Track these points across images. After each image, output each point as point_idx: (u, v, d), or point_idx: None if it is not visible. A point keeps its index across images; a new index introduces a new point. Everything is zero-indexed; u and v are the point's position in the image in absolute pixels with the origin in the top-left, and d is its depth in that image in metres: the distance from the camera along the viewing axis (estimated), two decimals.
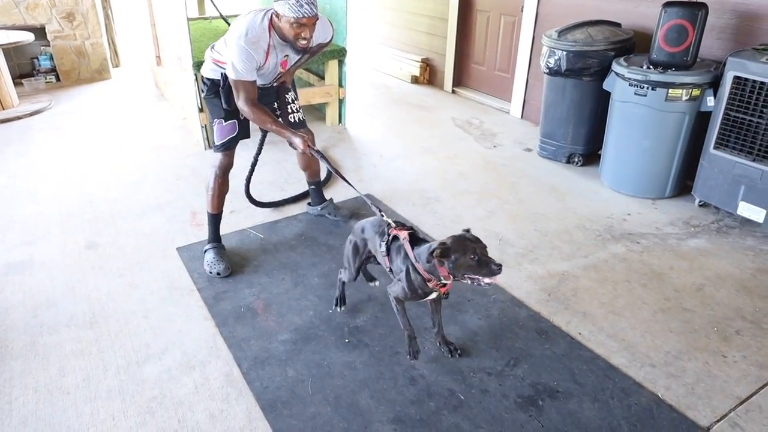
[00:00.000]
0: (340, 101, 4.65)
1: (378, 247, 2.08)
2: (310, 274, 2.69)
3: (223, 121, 2.65)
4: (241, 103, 2.41)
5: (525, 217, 3.23)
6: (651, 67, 3.17)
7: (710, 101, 3.06)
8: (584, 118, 3.75)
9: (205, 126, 4.10)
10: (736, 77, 2.87)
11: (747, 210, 2.98)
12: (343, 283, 2.39)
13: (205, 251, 2.74)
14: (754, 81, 2.79)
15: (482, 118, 4.94)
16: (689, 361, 2.13)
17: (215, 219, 2.78)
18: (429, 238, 2.37)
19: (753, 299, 2.48)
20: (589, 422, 1.86)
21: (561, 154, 3.93)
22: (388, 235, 2.03)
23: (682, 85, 3.05)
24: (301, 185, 3.57)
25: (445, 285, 1.91)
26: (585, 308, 2.44)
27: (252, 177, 3.17)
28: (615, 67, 3.35)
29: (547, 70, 3.68)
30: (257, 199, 3.27)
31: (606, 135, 3.59)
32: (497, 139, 4.45)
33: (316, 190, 3.20)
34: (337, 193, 3.47)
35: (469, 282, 1.80)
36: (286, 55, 2.50)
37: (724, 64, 2.93)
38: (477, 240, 1.82)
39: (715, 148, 3.05)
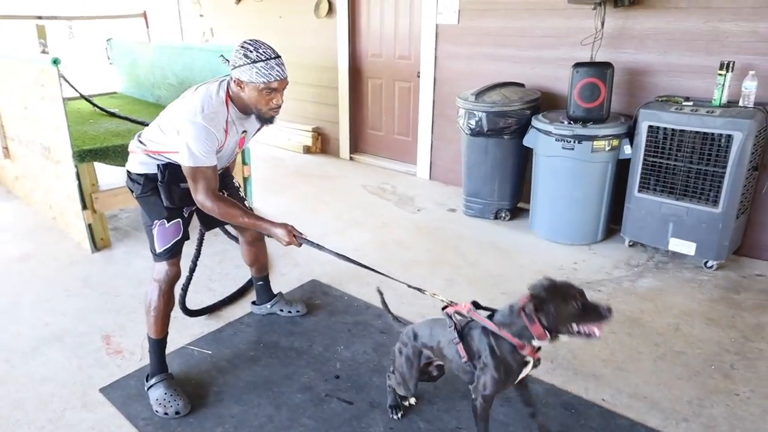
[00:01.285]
0: (245, 179, 4.24)
1: (446, 339, 1.77)
2: (289, 391, 2.23)
3: (165, 222, 2.15)
4: (201, 197, 1.97)
5: (484, 280, 3.12)
6: (570, 122, 3.37)
7: (627, 149, 3.31)
8: (508, 175, 3.85)
9: (90, 225, 3.40)
10: (650, 126, 3.14)
11: (678, 245, 3.22)
12: (394, 390, 2.05)
13: (150, 387, 2.14)
14: (665, 128, 3.09)
15: (392, 182, 4.87)
16: (713, 408, 2.11)
17: (160, 345, 2.21)
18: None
19: (724, 330, 2.61)
20: None
21: (488, 211, 3.97)
22: (451, 317, 1.76)
23: (604, 137, 3.26)
24: (230, 281, 3.09)
25: (539, 349, 1.66)
26: (592, 370, 2.35)
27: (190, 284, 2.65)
28: (537, 124, 3.50)
29: (469, 131, 3.73)
30: (191, 308, 2.73)
31: (534, 189, 3.70)
32: (417, 202, 4.38)
33: (264, 286, 2.76)
34: (274, 282, 3.04)
35: (576, 335, 1.56)
36: (245, 131, 2.14)
37: (637, 115, 3.21)
38: (571, 284, 1.60)
39: (639, 191, 3.29)
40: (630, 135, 3.31)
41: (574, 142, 3.28)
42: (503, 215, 3.96)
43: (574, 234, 3.56)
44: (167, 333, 2.23)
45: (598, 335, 1.54)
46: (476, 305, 1.76)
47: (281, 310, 2.76)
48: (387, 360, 2.41)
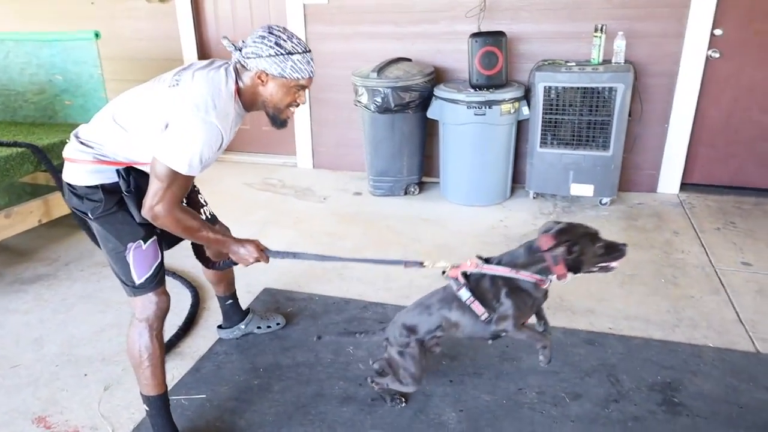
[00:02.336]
0: None
1: (454, 307, 1.73)
2: (330, 408, 1.94)
3: (142, 243, 1.66)
4: (162, 208, 1.54)
5: (438, 251, 3.12)
6: (473, 89, 3.54)
7: (526, 110, 3.62)
8: (415, 149, 3.89)
9: None
10: (545, 86, 3.48)
11: (578, 189, 3.65)
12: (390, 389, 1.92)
13: None
14: (559, 87, 3.46)
15: (276, 176, 4.51)
16: (685, 311, 2.48)
17: (165, 402, 1.74)
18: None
19: (647, 250, 3.06)
20: (721, 394, 1.95)
21: (398, 187, 3.96)
22: (456, 279, 1.71)
23: (510, 100, 3.51)
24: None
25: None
26: (583, 306, 2.54)
27: None
28: (443, 94, 3.59)
29: (375, 108, 3.65)
30: None
31: (443, 158, 3.82)
32: (317, 192, 4.15)
33: (234, 305, 2.33)
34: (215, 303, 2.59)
35: (596, 271, 1.68)
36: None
37: (533, 78, 3.53)
38: (586, 225, 1.68)
39: (541, 146, 3.64)
40: (526, 97, 3.63)
41: (486, 107, 3.46)
42: (413, 190, 4.00)
43: (488, 195, 3.77)
44: (167, 386, 1.74)
45: (616, 266, 1.68)
46: (481, 259, 1.74)
47: (258, 328, 2.37)
48: None
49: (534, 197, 3.86)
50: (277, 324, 2.40)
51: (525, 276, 1.65)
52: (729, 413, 1.86)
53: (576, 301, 2.59)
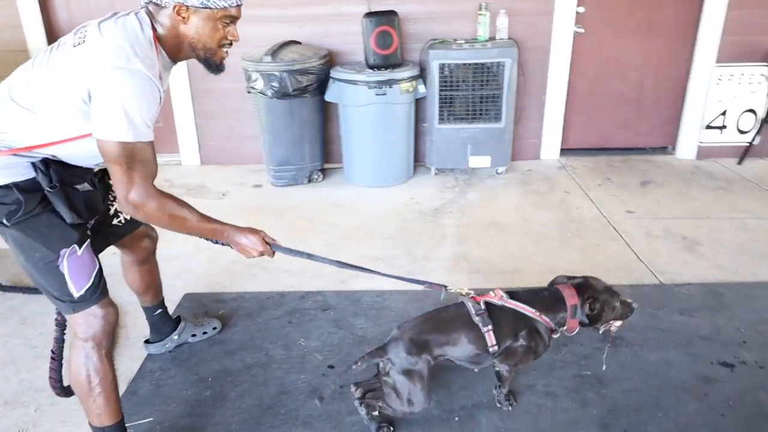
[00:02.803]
0: None
1: (465, 331, 1.62)
2: (302, 405, 1.82)
3: (76, 248, 1.40)
4: (137, 195, 1.32)
5: (359, 236, 3.08)
6: (371, 70, 3.53)
7: (422, 89, 3.70)
8: (316, 134, 3.78)
9: None
10: (440, 64, 3.60)
11: (476, 161, 3.84)
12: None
13: None
14: (452, 64, 3.59)
15: (161, 177, 4.08)
16: (603, 254, 2.75)
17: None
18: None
19: (549, 209, 3.33)
20: (646, 323, 2.18)
21: (301, 175, 3.83)
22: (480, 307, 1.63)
23: (408, 79, 3.56)
24: None
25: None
26: (510, 266, 2.69)
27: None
28: (342, 76, 3.53)
29: (272, 94, 3.48)
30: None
31: (346, 142, 3.76)
32: (213, 188, 3.85)
33: (163, 314, 2.08)
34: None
35: (600, 331, 1.72)
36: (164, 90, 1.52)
37: (426, 57, 3.61)
38: (600, 281, 1.72)
39: (439, 123, 3.76)
40: (421, 76, 3.71)
41: (386, 86, 3.48)
42: (316, 177, 3.89)
43: (393, 175, 3.81)
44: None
45: (614, 329, 1.71)
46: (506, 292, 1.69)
47: (193, 335, 2.15)
48: (355, 327, 2.21)
49: (436, 173, 3.98)
50: (214, 328, 2.19)
51: (545, 321, 1.64)
52: (657, 337, 2.10)
53: (502, 264, 2.73)
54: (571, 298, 1.64)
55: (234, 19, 1.44)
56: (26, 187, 1.33)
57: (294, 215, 3.35)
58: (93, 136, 1.29)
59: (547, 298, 1.68)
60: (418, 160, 4.06)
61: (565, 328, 1.66)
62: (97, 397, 1.45)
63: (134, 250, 1.87)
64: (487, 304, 1.63)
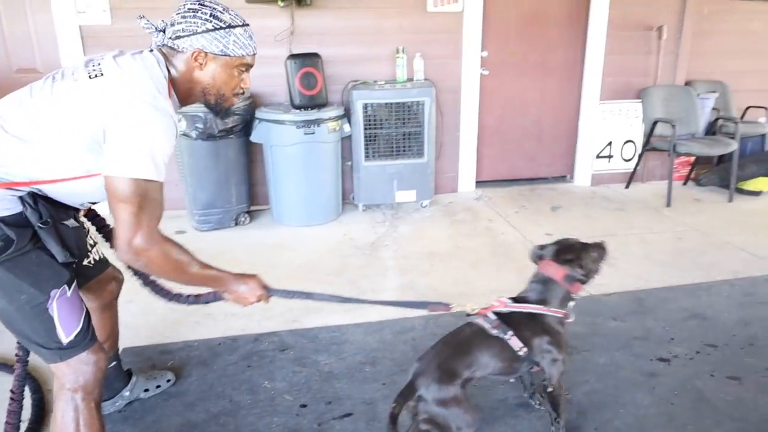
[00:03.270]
0: None
1: (486, 348, 1.60)
2: None
3: (66, 289, 1.28)
4: (143, 239, 1.22)
5: (303, 274, 3.03)
6: (296, 110, 3.58)
7: (347, 128, 3.80)
8: (242, 176, 3.70)
9: None
10: (364, 104, 3.73)
11: (403, 196, 3.98)
12: None
13: None
14: (375, 103, 3.75)
15: None
16: None
17: None
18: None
19: (480, 237, 3.52)
20: (588, 331, 2.37)
21: (228, 218, 3.70)
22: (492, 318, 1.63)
23: (335, 118, 3.64)
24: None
25: None
26: (457, 290, 2.79)
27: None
28: (268, 116, 3.53)
29: (196, 136, 3.37)
30: None
31: (273, 182, 3.72)
32: None
33: (117, 368, 1.89)
34: None
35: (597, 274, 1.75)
36: None
37: (350, 97, 3.73)
38: (568, 238, 1.79)
39: (366, 160, 3.87)
40: (346, 115, 3.81)
41: (314, 126, 3.52)
42: (243, 219, 3.78)
43: (323, 213, 3.82)
44: None
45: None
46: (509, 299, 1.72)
47: (146, 390, 1.97)
48: (319, 364, 2.16)
49: (364, 209, 4.05)
50: (168, 381, 2.03)
51: (555, 312, 1.66)
52: (600, 342, 2.29)
53: (447, 289, 2.83)
54: (558, 272, 1.67)
55: (249, 67, 1.44)
56: (14, 222, 1.20)
57: (228, 258, 3.22)
58: (103, 173, 1.20)
59: (541, 287, 1.70)
60: (345, 197, 4.12)
61: (574, 303, 1.71)
62: None
63: (99, 294, 1.72)
64: (496, 314, 1.64)
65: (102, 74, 1.25)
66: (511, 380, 1.94)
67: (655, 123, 4.26)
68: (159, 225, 1.29)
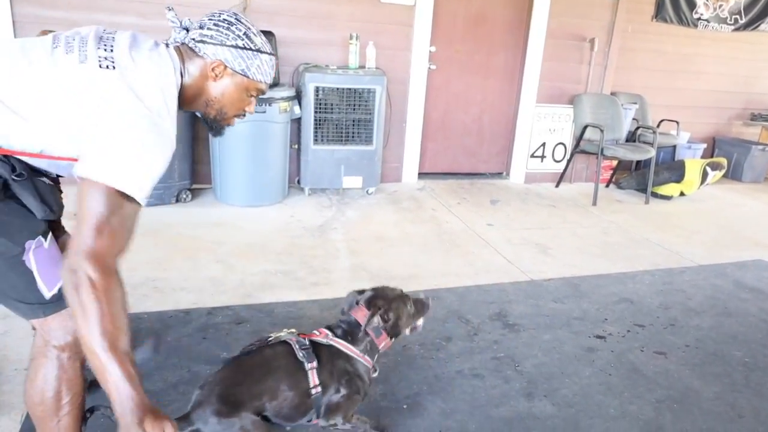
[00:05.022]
0: None
1: (286, 377, 1.38)
2: None
3: (43, 240, 1.19)
4: (96, 255, 1.03)
5: (252, 252, 2.97)
6: None
7: (297, 110, 3.77)
8: (186, 151, 3.57)
9: None
10: (316, 87, 3.71)
11: (349, 182, 4.01)
12: None
13: None
14: (327, 88, 3.75)
15: None
16: (478, 261, 3.08)
17: None
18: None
19: (423, 224, 3.62)
20: (532, 311, 2.54)
21: (169, 195, 3.55)
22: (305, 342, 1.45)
23: (286, 98, 3.59)
24: None
25: None
26: (408, 272, 2.86)
27: None
28: None
29: None
30: None
31: (219, 160, 3.62)
32: (72, 211, 3.34)
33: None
34: None
35: (408, 333, 1.64)
36: None
37: (303, 78, 3.70)
38: (391, 288, 1.63)
39: (315, 144, 3.85)
40: (297, 98, 3.77)
41: (266, 104, 3.46)
42: (185, 196, 3.64)
43: (269, 195, 3.76)
44: None
45: (419, 327, 1.66)
46: (330, 329, 1.54)
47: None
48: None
49: (309, 193, 4.03)
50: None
51: (365, 359, 1.50)
52: (544, 322, 2.46)
53: (399, 271, 2.89)
54: (362, 320, 1.51)
55: (260, 93, 1.37)
56: None
57: (172, 234, 3.09)
58: (80, 174, 1.07)
59: (348, 329, 1.52)
60: (290, 181, 4.08)
61: (379, 353, 1.56)
62: (63, 418, 1.21)
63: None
64: (312, 342, 1.46)
65: (113, 67, 1.13)
66: (287, 429, 1.58)
67: (585, 127, 4.59)
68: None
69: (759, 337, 2.48)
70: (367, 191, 4.15)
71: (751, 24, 5.76)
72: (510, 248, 3.33)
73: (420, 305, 1.63)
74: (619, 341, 2.35)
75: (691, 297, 2.82)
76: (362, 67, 3.98)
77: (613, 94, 5.05)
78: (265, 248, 3.03)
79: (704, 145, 5.61)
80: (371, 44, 3.96)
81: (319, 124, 3.82)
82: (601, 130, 4.37)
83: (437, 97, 4.56)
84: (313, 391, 1.39)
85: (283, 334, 1.47)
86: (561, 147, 4.93)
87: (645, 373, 2.12)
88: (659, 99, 5.44)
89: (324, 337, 1.49)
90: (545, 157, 4.92)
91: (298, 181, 4.06)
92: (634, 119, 5.06)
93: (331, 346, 1.47)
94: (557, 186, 4.88)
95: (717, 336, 2.46)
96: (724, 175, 5.58)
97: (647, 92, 5.31)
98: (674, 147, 5.25)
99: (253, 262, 2.83)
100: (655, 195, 4.68)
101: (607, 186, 5.04)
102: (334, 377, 1.44)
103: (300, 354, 1.40)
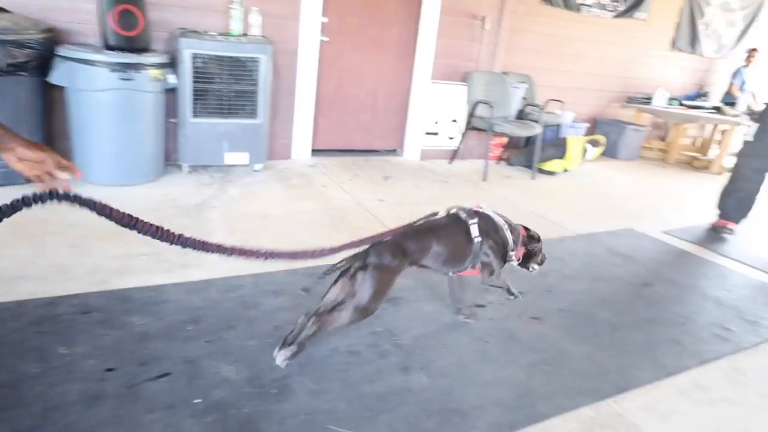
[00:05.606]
0: None
1: (447, 234, 1.99)
2: (77, 414, 1.47)
3: None
4: None
5: (112, 234, 2.64)
6: (111, 51, 3.13)
7: (173, 79, 3.44)
8: (37, 122, 3.13)
9: None
10: (193, 54, 3.41)
11: (233, 158, 3.75)
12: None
13: None
14: (207, 55, 3.46)
15: None
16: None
17: None
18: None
19: (309, 201, 3.47)
20: None
21: (17, 173, 3.10)
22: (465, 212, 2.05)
23: (159, 65, 3.25)
24: None
25: None
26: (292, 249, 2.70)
27: None
28: (75, 54, 3.02)
29: None
30: None
31: (77, 132, 3.23)
32: None
33: None
34: None
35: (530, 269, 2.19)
36: None
37: (178, 45, 3.38)
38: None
39: (194, 117, 3.55)
40: (172, 65, 3.44)
41: (133, 71, 3.11)
42: None
43: (141, 172, 3.42)
44: None
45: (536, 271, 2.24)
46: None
47: None
48: (131, 325, 1.92)
49: (189, 171, 3.73)
50: None
51: (509, 235, 2.02)
52: (425, 294, 2.41)
53: (283, 247, 2.72)
54: (524, 233, 2.14)
55: None
56: None
57: (26, 218, 2.69)
58: None
59: (508, 221, 2.10)
60: (168, 159, 3.75)
61: (510, 256, 2.08)
62: None
63: None
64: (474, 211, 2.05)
65: None
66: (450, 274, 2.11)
67: (476, 104, 4.65)
68: None
69: (625, 298, 2.61)
70: (253, 168, 3.92)
71: (628, 11, 6.13)
72: (399, 223, 3.26)
73: (543, 258, 2.19)
74: (498, 309, 2.36)
75: (568, 264, 2.92)
76: (245, 35, 3.72)
77: (504, 73, 5.16)
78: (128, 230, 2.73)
79: (587, 125, 5.94)
80: (255, 11, 3.70)
81: (199, 96, 3.52)
82: (491, 107, 4.44)
83: (330, 70, 4.39)
84: (475, 240, 1.93)
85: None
86: (454, 124, 4.97)
87: (520, 338, 2.14)
88: (547, 80, 5.66)
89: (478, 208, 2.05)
90: (438, 134, 4.94)
91: (177, 159, 3.74)
92: (523, 98, 5.22)
93: (488, 216, 2.03)
94: (450, 162, 4.92)
95: (588, 299, 2.55)
96: (603, 153, 5.95)
97: (536, 73, 5.50)
98: (559, 126, 5.49)
99: (113, 246, 2.53)
100: (541, 171, 4.86)
101: (498, 163, 5.17)
102: (489, 235, 1.97)
103: (463, 215, 1.97)
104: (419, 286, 2.47)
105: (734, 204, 3.78)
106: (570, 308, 2.44)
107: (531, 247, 2.11)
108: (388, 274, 1.75)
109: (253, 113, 3.71)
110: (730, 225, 3.80)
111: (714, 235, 3.75)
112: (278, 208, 3.29)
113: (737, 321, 2.51)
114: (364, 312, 1.71)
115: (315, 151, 4.51)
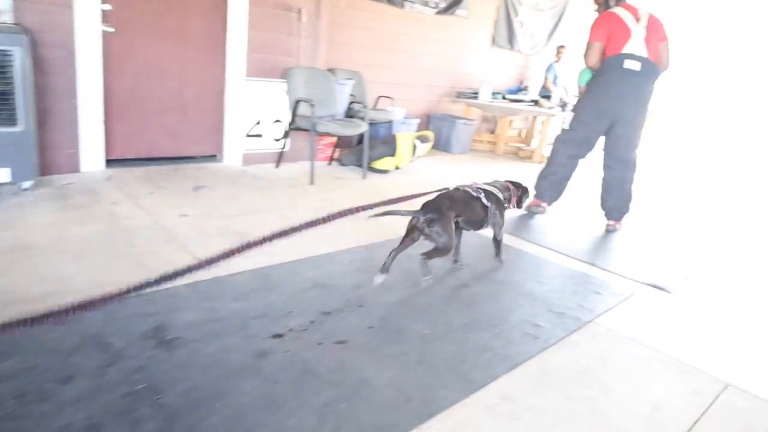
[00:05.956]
0: None
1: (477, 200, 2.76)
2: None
3: None
4: None
5: None
6: None
7: None
8: None
9: None
10: None
11: None
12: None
13: None
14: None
15: None
16: (154, 261, 2.51)
17: None
18: None
19: (89, 224, 2.89)
20: (202, 318, 2.09)
21: None
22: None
23: None
24: None
25: None
26: (38, 291, 2.15)
27: None
28: None
29: None
30: None
31: None
32: None
33: None
34: None
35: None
36: None
37: None
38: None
39: None
40: None
41: None
42: None
43: None
44: None
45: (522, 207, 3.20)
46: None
47: None
48: None
49: None
50: None
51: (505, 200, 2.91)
52: (213, 329, 2.03)
53: (31, 291, 2.16)
54: (513, 189, 2.99)
55: None
56: None
57: None
58: None
59: (501, 186, 2.94)
60: None
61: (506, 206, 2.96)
62: None
63: None
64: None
65: None
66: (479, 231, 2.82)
67: (297, 102, 4.34)
68: None
69: (440, 305, 2.48)
70: (21, 187, 3.19)
71: (450, 8, 6.27)
72: (201, 241, 2.84)
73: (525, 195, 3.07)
74: (298, 337, 2.06)
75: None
76: None
77: (330, 70, 4.92)
78: None
79: (418, 121, 5.95)
80: None
81: None
82: (312, 105, 4.16)
83: (122, 66, 3.77)
84: (489, 207, 2.74)
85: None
86: (279, 125, 4.62)
87: (318, 371, 1.86)
88: (377, 76, 5.54)
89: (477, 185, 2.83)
90: (262, 136, 4.55)
91: None
92: (351, 95, 5.03)
93: (489, 190, 2.80)
94: (278, 166, 4.57)
95: (402, 311, 2.37)
96: (437, 147, 6.02)
97: (365, 69, 5.35)
98: (391, 123, 5.41)
99: None
100: (372, 170, 4.72)
101: (330, 163, 4.93)
102: (492, 199, 2.77)
103: (474, 193, 2.72)
104: (207, 320, 2.08)
105: (548, 186, 3.96)
106: (381, 324, 2.23)
107: (520, 193, 2.97)
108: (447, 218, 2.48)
109: (10, 119, 3.00)
110: (543, 204, 4.01)
111: (529, 221, 3.89)
112: (44, 236, 2.67)
113: (547, 315, 2.50)
114: (445, 251, 2.48)
115: (111, 162, 3.87)
